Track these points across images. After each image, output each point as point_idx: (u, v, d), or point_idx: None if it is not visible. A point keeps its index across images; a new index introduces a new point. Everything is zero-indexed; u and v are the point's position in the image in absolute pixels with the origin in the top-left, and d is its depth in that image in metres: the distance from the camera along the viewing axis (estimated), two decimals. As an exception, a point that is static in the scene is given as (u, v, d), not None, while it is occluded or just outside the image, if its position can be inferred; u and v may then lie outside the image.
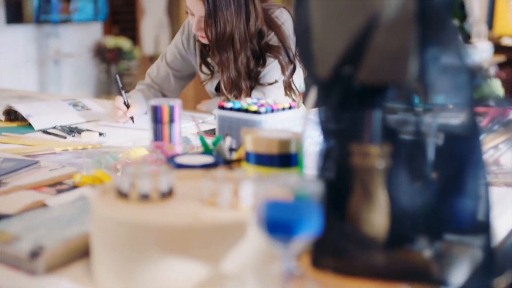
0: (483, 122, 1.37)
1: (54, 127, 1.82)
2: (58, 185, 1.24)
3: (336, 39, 0.79)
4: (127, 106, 1.88)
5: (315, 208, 0.70)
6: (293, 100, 1.96)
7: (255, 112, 1.23)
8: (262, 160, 1.01)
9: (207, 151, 1.13)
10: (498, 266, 0.88)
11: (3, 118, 1.91)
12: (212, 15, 1.80)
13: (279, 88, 1.90)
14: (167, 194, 0.88)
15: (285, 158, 1.00)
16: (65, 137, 1.72)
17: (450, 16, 0.77)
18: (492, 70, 5.36)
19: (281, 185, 0.72)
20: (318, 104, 0.88)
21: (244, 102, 1.29)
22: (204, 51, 2.00)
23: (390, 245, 0.87)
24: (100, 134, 1.72)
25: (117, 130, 1.82)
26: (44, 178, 1.28)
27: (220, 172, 0.89)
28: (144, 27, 6.10)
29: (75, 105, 2.00)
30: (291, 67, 1.91)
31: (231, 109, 1.27)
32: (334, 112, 0.83)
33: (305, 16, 0.84)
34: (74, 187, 1.22)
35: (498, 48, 6.26)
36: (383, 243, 0.86)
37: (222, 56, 1.86)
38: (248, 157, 1.02)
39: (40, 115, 1.86)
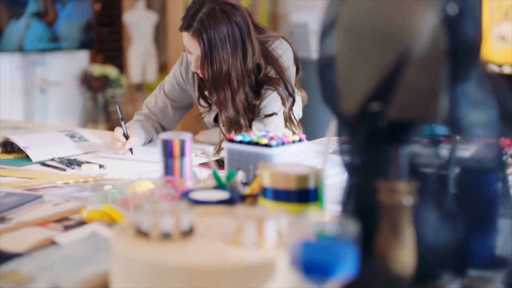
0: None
1: (52, 159, 1.79)
2: (64, 221, 1.21)
3: (363, 74, 0.78)
4: (126, 137, 1.86)
5: (352, 249, 0.68)
6: (293, 131, 1.95)
7: (266, 145, 1.22)
8: (280, 195, 0.99)
9: (220, 186, 1.11)
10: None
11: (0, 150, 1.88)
12: (208, 55, 1.78)
13: (280, 119, 1.89)
14: (188, 233, 0.86)
15: (303, 193, 0.98)
16: (64, 170, 1.69)
17: (479, 51, 0.76)
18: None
19: (316, 224, 0.70)
20: (341, 139, 0.87)
21: (253, 135, 1.28)
22: (202, 85, 1.99)
23: (416, 281, 0.85)
24: (100, 166, 1.70)
25: (117, 162, 1.79)
26: (49, 214, 1.25)
27: (242, 209, 0.87)
28: (131, 55, 6.10)
29: (72, 136, 1.97)
30: (290, 99, 1.90)
31: (240, 142, 1.25)
32: (360, 148, 0.82)
33: (330, 50, 0.83)
34: (81, 222, 1.19)
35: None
36: (410, 280, 0.84)
37: (219, 95, 1.84)
38: (265, 193, 1.00)
39: (38, 147, 1.83)
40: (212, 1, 1.79)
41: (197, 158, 1.83)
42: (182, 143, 1.16)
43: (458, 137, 0.92)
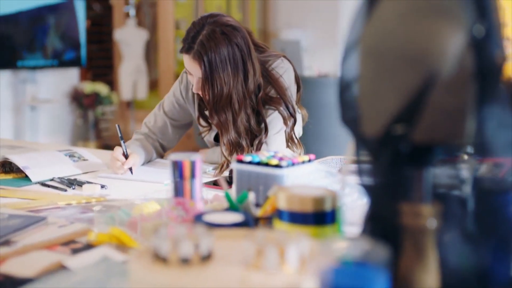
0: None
1: (52, 179, 1.77)
2: (71, 244, 1.19)
3: (388, 96, 0.77)
4: (126, 156, 1.84)
5: (381, 274, 0.67)
6: (294, 151, 1.94)
7: (276, 166, 1.21)
8: (296, 218, 0.98)
9: (232, 208, 1.09)
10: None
11: (-2, 170, 1.85)
12: (208, 78, 1.77)
13: (282, 139, 1.88)
14: (207, 257, 0.84)
15: (320, 216, 0.97)
16: (65, 190, 1.67)
17: (504, 71, 0.76)
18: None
19: (345, 249, 0.69)
20: (362, 161, 0.86)
21: (262, 156, 1.27)
22: (202, 104, 1.97)
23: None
24: (102, 186, 1.67)
25: (118, 182, 1.77)
26: (55, 236, 1.22)
27: (261, 232, 0.86)
28: (122, 72, 6.08)
29: (71, 155, 1.95)
30: (292, 120, 1.89)
31: (250, 163, 1.24)
32: (383, 170, 0.81)
33: (351, 71, 0.83)
34: (89, 245, 1.17)
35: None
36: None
37: (220, 118, 1.82)
38: (281, 215, 0.99)
39: (37, 167, 1.80)
40: (213, 23, 1.78)
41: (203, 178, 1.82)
42: (193, 165, 1.14)
43: (466, 156, 0.92)
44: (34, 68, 5.20)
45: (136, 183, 1.77)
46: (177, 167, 1.15)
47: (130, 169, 1.83)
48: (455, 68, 0.73)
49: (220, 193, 1.45)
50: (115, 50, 6.36)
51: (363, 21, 0.81)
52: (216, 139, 2.01)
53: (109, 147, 6.13)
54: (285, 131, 1.89)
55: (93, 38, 6.35)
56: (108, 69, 6.72)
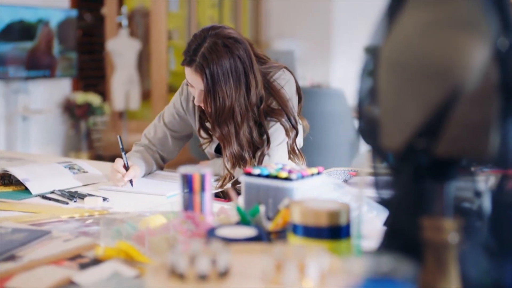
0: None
1: (53, 192, 1.75)
2: (78, 258, 1.17)
3: (410, 109, 0.77)
4: (127, 168, 1.82)
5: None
6: (296, 163, 1.93)
7: (286, 178, 1.20)
8: (311, 232, 0.97)
9: (244, 222, 1.08)
10: None
11: (-3, 182, 1.83)
12: (210, 91, 1.75)
13: (284, 150, 1.87)
14: (225, 273, 0.83)
15: (335, 230, 0.96)
16: (67, 203, 1.64)
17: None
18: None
19: (370, 265, 0.67)
20: (380, 174, 0.85)
21: (271, 168, 1.25)
22: (203, 116, 1.96)
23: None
24: (104, 199, 1.66)
25: (119, 194, 1.75)
26: (61, 251, 1.21)
27: (280, 247, 0.84)
28: (114, 83, 6.05)
29: (71, 167, 1.93)
30: (294, 132, 1.88)
31: (259, 175, 1.23)
32: (404, 184, 0.80)
33: (370, 83, 0.82)
34: (97, 260, 1.15)
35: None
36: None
37: (223, 131, 1.80)
38: (295, 229, 0.98)
39: (37, 179, 1.78)
40: (214, 35, 1.76)
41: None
42: (202, 178, 1.13)
43: (484, 169, 0.91)
44: (26, 78, 5.17)
45: (138, 195, 1.75)
46: (187, 181, 1.13)
47: (131, 181, 1.81)
48: (479, 81, 0.73)
49: (225, 206, 1.44)
50: (108, 60, 6.33)
51: (383, 33, 0.80)
52: (217, 150, 2.00)
53: (101, 157, 6.10)
54: (287, 143, 1.88)
55: (84, 49, 6.32)
56: (99, 79, 6.70)
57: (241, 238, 0.98)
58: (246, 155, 1.82)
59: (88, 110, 5.76)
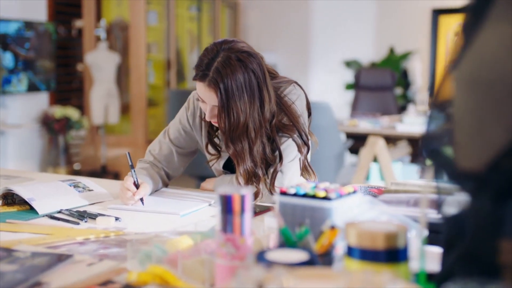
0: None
1: (60, 211, 1.68)
2: (109, 284, 1.11)
3: (493, 128, 0.73)
4: (137, 186, 1.76)
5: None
6: (307, 180, 1.90)
7: (324, 198, 1.16)
8: (367, 255, 0.93)
9: (290, 244, 1.04)
10: None
11: (0, 202, 1.74)
12: (225, 106, 1.70)
13: (297, 167, 1.83)
14: (294, 301, 0.79)
15: (393, 253, 0.92)
16: (77, 223, 1.58)
17: None
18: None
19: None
20: (447, 193, 0.82)
21: (305, 187, 1.21)
22: (211, 132, 1.91)
23: None
24: (116, 218, 1.59)
25: (130, 214, 1.69)
26: (88, 276, 1.15)
27: (347, 272, 0.80)
28: (93, 96, 5.95)
29: (75, 186, 1.86)
30: (305, 148, 1.85)
31: (295, 195, 1.18)
32: (484, 206, 0.77)
33: (442, 100, 0.79)
34: (129, 286, 1.09)
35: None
36: None
37: (236, 147, 1.75)
38: (350, 252, 0.94)
39: (43, 199, 1.71)
40: (228, 49, 1.72)
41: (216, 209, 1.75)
42: (243, 199, 1.08)
43: None
44: (3, 92, 5.05)
45: (149, 214, 1.69)
46: (226, 201, 1.08)
47: (141, 199, 1.75)
48: None
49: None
50: (86, 73, 6.23)
51: (461, 48, 0.77)
52: (225, 167, 1.95)
53: (79, 173, 5.98)
54: (300, 159, 1.84)
55: (60, 62, 6.21)
56: (77, 93, 6.59)
57: (295, 262, 0.93)
58: (260, 172, 1.77)
59: (66, 124, 5.65)
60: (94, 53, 5.95)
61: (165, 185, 2.02)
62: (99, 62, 5.92)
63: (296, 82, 1.92)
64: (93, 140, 6.27)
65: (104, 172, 5.94)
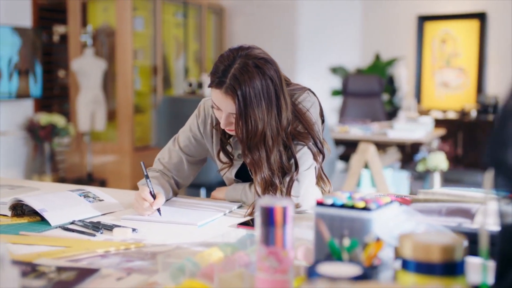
0: None
1: (72, 222, 1.63)
2: (145, 300, 1.07)
3: None
4: (153, 196, 1.71)
5: None
6: (323, 189, 1.87)
7: (364, 208, 1.13)
8: (423, 268, 0.91)
9: (337, 257, 1.01)
10: None
11: (9, 213, 1.69)
12: (242, 114, 1.66)
13: (313, 175, 1.80)
14: (364, 319, 0.76)
15: (450, 266, 0.90)
16: (94, 235, 1.53)
17: None
18: (435, 144, 5.51)
19: None
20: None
21: (342, 198, 1.18)
22: (224, 139, 1.87)
23: None
24: (133, 230, 1.55)
25: (146, 224, 1.64)
26: (121, 291, 1.11)
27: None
28: (79, 103, 5.87)
29: (86, 196, 1.81)
30: (321, 156, 1.82)
31: (332, 205, 1.15)
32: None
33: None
34: (170, 301, 1.05)
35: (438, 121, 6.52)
36: None
37: (254, 156, 1.71)
38: (406, 265, 0.91)
39: (54, 210, 1.66)
40: (245, 56, 1.68)
41: (231, 218, 1.72)
42: (285, 210, 1.05)
43: None
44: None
45: (166, 225, 1.65)
46: (268, 214, 1.05)
47: (158, 209, 1.71)
48: None
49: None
50: (72, 80, 6.14)
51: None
52: (238, 176, 1.91)
53: (64, 180, 5.89)
54: (315, 167, 1.81)
55: (45, 68, 6.11)
56: (59, 99, 6.49)
57: (349, 276, 0.90)
58: (277, 181, 1.74)
59: (52, 131, 5.57)
60: (80, 59, 5.87)
61: (175, 194, 1.98)
62: (85, 69, 5.84)
63: (310, 89, 1.89)
64: (78, 147, 6.18)
65: (90, 179, 5.85)
